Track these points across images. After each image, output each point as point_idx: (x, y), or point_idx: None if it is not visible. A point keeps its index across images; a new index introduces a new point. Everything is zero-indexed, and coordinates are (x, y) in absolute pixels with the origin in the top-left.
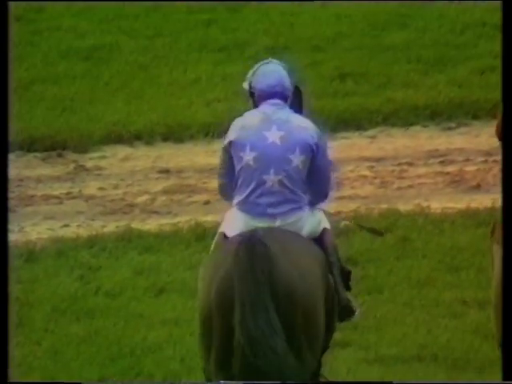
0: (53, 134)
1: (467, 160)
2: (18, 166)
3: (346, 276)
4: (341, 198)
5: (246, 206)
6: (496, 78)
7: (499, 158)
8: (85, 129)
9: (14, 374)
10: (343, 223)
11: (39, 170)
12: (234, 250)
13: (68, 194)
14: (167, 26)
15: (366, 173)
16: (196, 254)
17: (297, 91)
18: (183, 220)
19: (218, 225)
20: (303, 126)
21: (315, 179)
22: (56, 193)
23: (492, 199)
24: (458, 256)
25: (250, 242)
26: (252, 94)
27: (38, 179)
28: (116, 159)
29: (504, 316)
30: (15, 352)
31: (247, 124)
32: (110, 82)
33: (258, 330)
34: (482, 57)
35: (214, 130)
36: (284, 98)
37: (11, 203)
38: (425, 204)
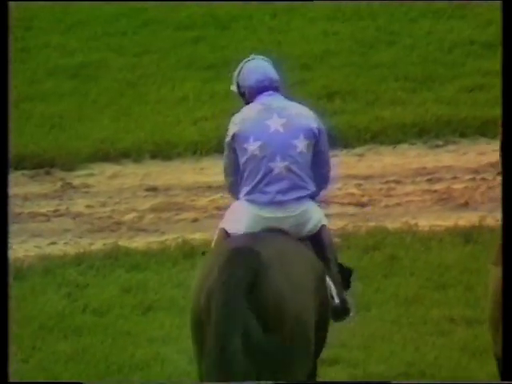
0: (40, 152)
1: (455, 178)
2: None
3: (347, 275)
4: (328, 215)
5: (255, 196)
6: (484, 96)
7: (487, 175)
8: (72, 146)
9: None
10: None
11: (27, 188)
12: (225, 255)
13: (55, 211)
14: (155, 43)
15: (354, 191)
16: (183, 272)
17: None
18: (171, 238)
19: (206, 242)
20: (303, 112)
21: (318, 164)
22: (43, 210)
23: (480, 217)
24: (446, 274)
25: (239, 251)
26: (242, 94)
27: (25, 197)
28: (103, 177)
29: (504, 317)
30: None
31: (247, 116)
32: (97, 100)
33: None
34: (469, 75)
35: (201, 147)
36: (274, 89)
37: None
38: (412, 222)
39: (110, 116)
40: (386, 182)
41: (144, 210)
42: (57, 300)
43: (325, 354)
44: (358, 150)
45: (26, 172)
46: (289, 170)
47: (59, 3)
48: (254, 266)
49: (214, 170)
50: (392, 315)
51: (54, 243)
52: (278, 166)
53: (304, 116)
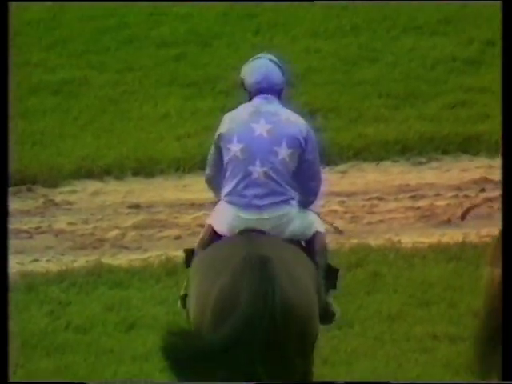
0: (22, 169)
1: (438, 195)
2: None
3: (333, 275)
4: None
5: (233, 198)
6: (467, 113)
7: (469, 192)
8: (54, 163)
9: None
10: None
11: (9, 205)
12: (236, 260)
13: (37, 228)
14: (137, 60)
15: (337, 208)
16: (166, 289)
17: None
18: (154, 255)
19: None
20: (292, 120)
21: (305, 175)
22: (25, 227)
23: (463, 234)
24: (429, 291)
25: (259, 258)
26: (246, 90)
27: None
28: (86, 194)
29: (504, 317)
30: None
31: (237, 117)
32: (79, 117)
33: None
34: (452, 91)
35: (184, 164)
36: (274, 92)
37: None
38: (395, 239)
39: (92, 133)
40: (369, 199)
41: (127, 227)
42: (39, 317)
43: None
44: (341, 167)
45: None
46: (267, 175)
47: (44, 18)
48: (270, 273)
49: (197, 187)
50: (375, 332)
51: (36, 260)
52: (257, 170)
53: (292, 124)
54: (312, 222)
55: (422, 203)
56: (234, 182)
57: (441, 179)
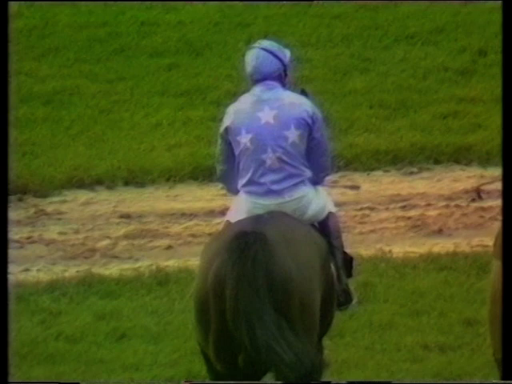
0: (13, 178)
1: (429, 205)
2: None
3: (348, 263)
4: None
5: (251, 188)
6: (458, 123)
7: (461, 202)
8: (45, 173)
9: None
10: None
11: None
12: (231, 237)
13: (28, 238)
14: (128, 70)
15: None
16: (157, 299)
17: (303, 93)
18: (145, 265)
19: (180, 269)
20: (296, 102)
21: (315, 152)
22: (16, 237)
23: (454, 243)
24: (420, 300)
25: (246, 232)
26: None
27: None
28: (77, 204)
29: (504, 316)
30: None
31: (240, 108)
32: (70, 126)
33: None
34: (444, 102)
35: (175, 174)
36: (272, 78)
37: None
38: (386, 249)
39: (83, 143)
40: (360, 209)
41: (118, 236)
42: (30, 327)
43: None
44: (332, 177)
45: None
46: (281, 160)
47: (36, 27)
48: (261, 246)
49: (188, 197)
50: (366, 342)
51: (27, 270)
52: (270, 157)
53: (297, 105)
54: (325, 203)
55: (413, 213)
56: (249, 173)
57: (432, 189)
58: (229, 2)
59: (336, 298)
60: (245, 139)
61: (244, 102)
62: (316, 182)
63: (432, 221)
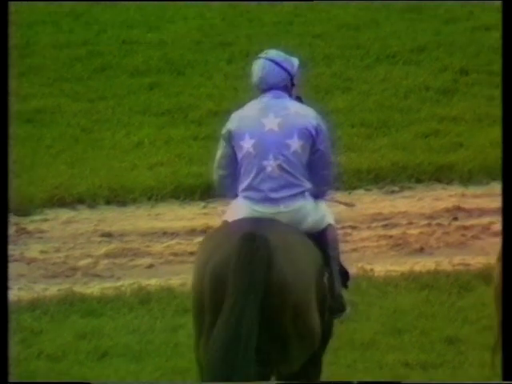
0: None
1: (410, 223)
2: None
3: (343, 274)
4: None
5: (249, 193)
6: (439, 142)
7: (442, 221)
8: (27, 192)
9: None
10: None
11: None
12: (235, 237)
13: (10, 256)
14: (110, 89)
15: None
16: (139, 318)
17: (298, 100)
18: (126, 284)
19: (161, 288)
20: (302, 112)
21: (317, 165)
22: None
23: (435, 262)
24: (401, 319)
25: (252, 235)
26: None
27: None
28: (58, 222)
29: (504, 316)
30: None
31: (245, 114)
32: (52, 145)
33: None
34: (425, 121)
35: (156, 193)
36: (279, 88)
37: None
38: (368, 267)
39: (64, 161)
40: (342, 228)
41: (99, 255)
42: (11, 346)
43: None
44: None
45: None
46: (281, 168)
47: (16, 45)
48: (266, 252)
49: (169, 216)
50: (347, 360)
51: (8, 288)
52: (271, 164)
53: (302, 116)
54: (324, 214)
55: (394, 232)
56: (249, 178)
57: (413, 208)
58: (229, 2)
59: (328, 306)
60: (248, 144)
61: (250, 109)
62: (317, 195)
63: (413, 239)
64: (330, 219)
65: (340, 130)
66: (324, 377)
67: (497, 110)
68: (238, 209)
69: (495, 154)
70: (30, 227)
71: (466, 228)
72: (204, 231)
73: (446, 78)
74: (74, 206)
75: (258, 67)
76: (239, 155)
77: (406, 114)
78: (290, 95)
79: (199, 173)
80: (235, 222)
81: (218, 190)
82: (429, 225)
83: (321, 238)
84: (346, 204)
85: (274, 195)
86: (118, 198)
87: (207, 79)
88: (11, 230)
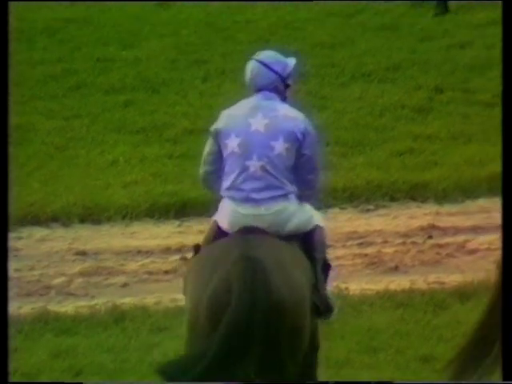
0: None
1: (385, 242)
2: None
3: (327, 269)
4: None
5: (232, 192)
6: (414, 160)
7: (417, 239)
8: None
9: None
10: None
11: None
12: (229, 259)
13: None
14: (84, 106)
15: None
16: (113, 337)
17: None
18: (100, 302)
19: (136, 307)
20: (290, 115)
21: (303, 169)
22: None
23: (410, 280)
24: (376, 337)
25: (249, 258)
26: None
27: None
28: (32, 240)
29: (504, 316)
30: None
31: (235, 113)
32: (26, 163)
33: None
34: (400, 139)
35: (131, 211)
36: (270, 90)
37: None
38: (343, 286)
39: (38, 179)
40: None
41: (73, 273)
42: None
43: None
44: None
45: None
46: (264, 169)
47: None
48: (263, 274)
49: (144, 234)
50: (322, 378)
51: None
52: (254, 164)
53: (290, 119)
54: (311, 216)
55: (369, 250)
56: (232, 177)
57: (388, 226)
58: (229, 3)
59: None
60: (233, 143)
61: (240, 108)
62: (302, 199)
63: (388, 258)
64: (318, 221)
65: None
66: None
67: (471, 128)
68: (224, 209)
69: (470, 172)
70: None
71: (440, 246)
72: (179, 250)
73: (421, 96)
74: (48, 224)
75: (249, 69)
76: (224, 153)
77: (380, 133)
78: (283, 97)
79: (174, 191)
80: (226, 241)
81: (202, 184)
82: (404, 243)
83: (307, 240)
84: None
85: (255, 196)
86: (93, 216)
87: (182, 97)
88: None
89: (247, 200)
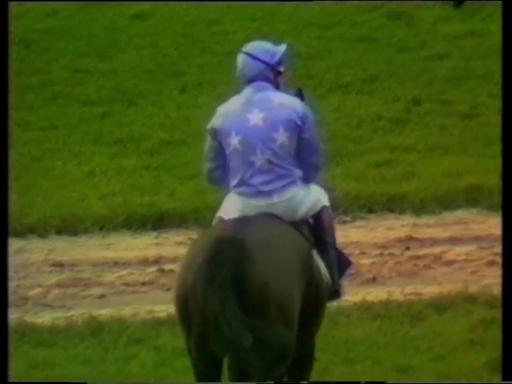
0: None
1: (363, 253)
2: None
3: (345, 265)
4: None
5: (241, 189)
6: (392, 172)
7: (394, 251)
8: None
9: None
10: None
11: None
12: (210, 243)
13: None
14: (61, 118)
15: None
16: (90, 348)
17: (299, 93)
18: (77, 314)
19: (113, 319)
20: (286, 103)
21: (305, 152)
22: None
23: (387, 292)
24: (354, 349)
25: (223, 239)
26: None
27: None
28: (9, 251)
29: (504, 317)
30: None
31: (230, 109)
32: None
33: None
34: (377, 150)
35: (108, 223)
36: (260, 80)
37: None
38: None
39: (15, 191)
40: None
41: (50, 285)
42: None
43: None
44: None
45: None
46: (270, 162)
47: None
48: (236, 256)
49: (121, 246)
50: None
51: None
52: (259, 159)
53: (286, 107)
54: (318, 197)
55: None
56: (239, 174)
57: (366, 238)
58: (229, 3)
59: (322, 300)
60: (234, 141)
61: (234, 103)
62: (307, 180)
63: (366, 269)
64: (324, 201)
65: None
66: None
67: (449, 140)
68: (233, 204)
69: (447, 184)
70: None
71: (418, 258)
72: (156, 261)
73: (398, 107)
74: (24, 236)
75: (238, 62)
76: (227, 151)
77: (358, 144)
78: (276, 84)
79: (151, 203)
80: (220, 225)
81: (208, 181)
82: (381, 255)
83: (316, 223)
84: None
85: (265, 188)
86: (70, 227)
87: (159, 109)
88: None
89: (258, 194)
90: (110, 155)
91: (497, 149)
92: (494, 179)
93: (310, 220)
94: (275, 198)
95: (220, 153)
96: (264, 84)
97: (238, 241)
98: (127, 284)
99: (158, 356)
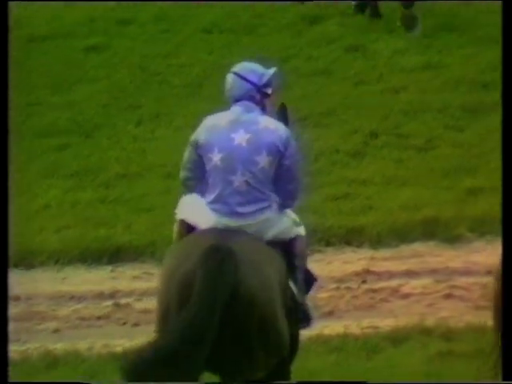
0: None
1: (320, 287)
2: None
3: (308, 284)
4: None
5: (216, 205)
6: (350, 205)
7: (351, 284)
8: None
9: None
10: None
11: None
12: (201, 249)
13: None
14: (16, 150)
15: None
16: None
17: (282, 108)
18: (32, 347)
19: (68, 353)
20: (271, 127)
21: (283, 179)
22: None
23: (344, 325)
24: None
25: (218, 247)
26: None
27: None
28: None
29: (504, 316)
30: None
31: (216, 124)
32: None
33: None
34: (335, 183)
35: (63, 256)
36: (246, 99)
37: None
38: None
39: None
40: None
41: None
42: None
43: None
44: None
45: None
46: (248, 184)
47: None
48: (233, 265)
49: (76, 280)
50: None
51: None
52: (238, 179)
53: (271, 131)
54: (291, 225)
55: None
56: (216, 191)
57: (323, 271)
58: (228, 3)
59: (294, 321)
60: (216, 157)
61: (221, 119)
62: (283, 207)
63: (323, 303)
64: (299, 230)
65: None
66: None
67: (405, 173)
68: (205, 219)
69: (404, 217)
70: None
71: (374, 291)
72: (112, 295)
73: (355, 140)
74: None
75: (227, 81)
76: (207, 166)
77: (315, 177)
78: (263, 106)
79: (107, 236)
80: (202, 231)
81: (183, 188)
82: (338, 288)
83: (288, 248)
84: None
85: (241, 209)
86: (25, 261)
87: (115, 142)
88: None
89: (232, 214)
90: (66, 188)
91: (452, 181)
92: (450, 211)
93: (281, 244)
94: (248, 221)
95: (198, 166)
96: (251, 105)
97: (230, 251)
98: (82, 318)
99: None
